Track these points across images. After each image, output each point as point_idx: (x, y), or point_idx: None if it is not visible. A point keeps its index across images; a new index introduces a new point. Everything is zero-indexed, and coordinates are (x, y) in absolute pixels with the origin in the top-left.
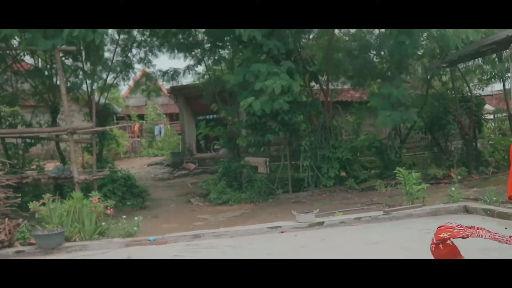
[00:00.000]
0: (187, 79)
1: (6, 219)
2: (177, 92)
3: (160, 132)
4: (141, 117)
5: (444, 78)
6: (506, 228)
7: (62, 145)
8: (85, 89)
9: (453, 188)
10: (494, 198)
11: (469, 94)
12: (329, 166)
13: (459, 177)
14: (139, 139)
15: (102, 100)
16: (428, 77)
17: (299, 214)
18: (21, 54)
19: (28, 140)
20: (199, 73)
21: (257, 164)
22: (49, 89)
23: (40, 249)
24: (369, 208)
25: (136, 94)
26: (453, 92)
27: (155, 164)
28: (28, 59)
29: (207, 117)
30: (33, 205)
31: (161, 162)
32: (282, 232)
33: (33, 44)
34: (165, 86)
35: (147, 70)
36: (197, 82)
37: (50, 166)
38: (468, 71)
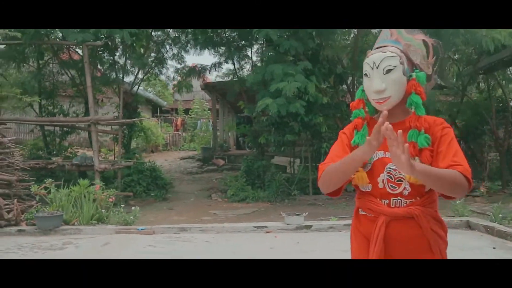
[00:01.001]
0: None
1: (15, 200)
2: (211, 89)
3: (201, 127)
4: (187, 111)
5: (481, 86)
6: (494, 248)
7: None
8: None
9: (457, 202)
10: (500, 215)
11: (507, 103)
12: None
13: (485, 190)
14: (179, 133)
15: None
16: (463, 83)
17: (287, 216)
18: (63, 47)
19: (65, 129)
20: (229, 70)
21: (286, 164)
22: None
23: (39, 230)
24: None
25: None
26: (489, 100)
27: (188, 158)
28: (67, 53)
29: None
30: (34, 188)
31: (193, 157)
32: (267, 232)
33: (65, 38)
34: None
35: (180, 65)
36: (228, 79)
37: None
38: (507, 79)
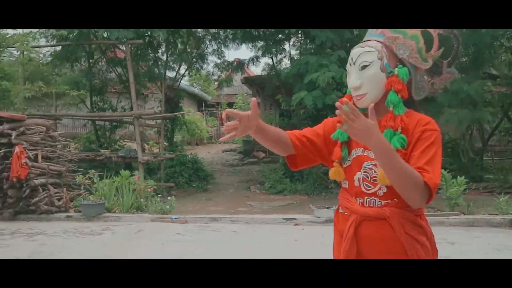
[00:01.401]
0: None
1: (64, 189)
2: (251, 83)
3: None
4: (231, 105)
5: None
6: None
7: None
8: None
9: (501, 199)
10: None
11: None
12: None
13: None
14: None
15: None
16: None
17: (317, 209)
18: (110, 46)
19: (113, 123)
20: (268, 64)
21: None
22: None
23: (84, 216)
24: None
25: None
26: None
27: (230, 150)
28: (113, 51)
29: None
30: (79, 178)
31: (235, 149)
32: (296, 224)
33: (110, 37)
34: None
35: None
36: (267, 73)
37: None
38: None
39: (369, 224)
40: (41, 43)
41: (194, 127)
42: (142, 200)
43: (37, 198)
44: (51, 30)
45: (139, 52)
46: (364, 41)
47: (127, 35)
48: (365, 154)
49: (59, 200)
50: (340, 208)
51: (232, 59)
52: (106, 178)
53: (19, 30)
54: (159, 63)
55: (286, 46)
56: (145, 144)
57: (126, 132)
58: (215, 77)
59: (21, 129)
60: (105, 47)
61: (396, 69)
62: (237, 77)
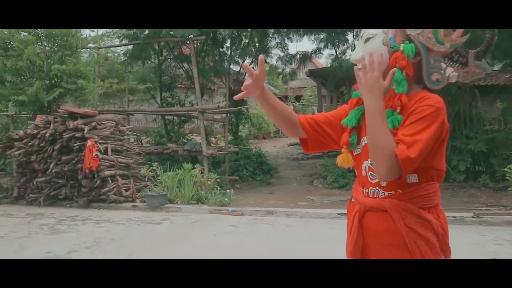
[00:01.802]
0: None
1: (132, 180)
2: (315, 75)
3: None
4: (299, 98)
5: None
6: None
7: (206, 123)
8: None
9: None
10: None
11: None
12: (460, 159)
13: None
14: None
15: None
16: None
17: None
18: (178, 43)
19: (182, 118)
20: (331, 55)
21: None
22: (199, 73)
23: (148, 206)
24: (480, 208)
25: (299, 76)
26: None
27: (295, 144)
28: (179, 48)
29: None
30: (144, 170)
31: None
32: None
33: (176, 34)
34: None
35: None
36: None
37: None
38: None
39: (372, 215)
40: (115, 43)
41: (260, 121)
42: (202, 192)
43: (106, 188)
44: (123, 30)
45: (205, 48)
46: None
47: (192, 32)
48: None
49: (126, 190)
50: (352, 197)
51: (295, 52)
52: (170, 170)
53: (96, 31)
54: (224, 58)
55: (349, 37)
56: (213, 138)
57: (194, 126)
58: (279, 70)
59: (93, 124)
60: (173, 45)
61: (402, 44)
62: (302, 70)
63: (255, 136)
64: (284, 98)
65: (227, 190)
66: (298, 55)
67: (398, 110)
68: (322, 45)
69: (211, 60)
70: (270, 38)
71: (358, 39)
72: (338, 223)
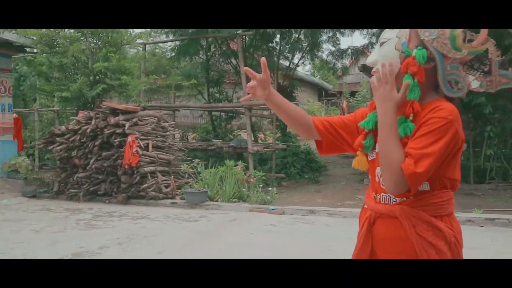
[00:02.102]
0: None
1: (172, 177)
2: (369, 70)
3: None
4: (353, 94)
5: None
6: None
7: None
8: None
9: None
10: None
11: None
12: None
13: None
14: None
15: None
16: None
17: None
18: (226, 39)
19: (229, 114)
20: None
21: None
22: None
23: (187, 203)
24: None
25: (354, 71)
26: None
27: None
28: (226, 44)
29: None
30: (184, 167)
31: None
32: None
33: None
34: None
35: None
36: None
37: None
38: None
39: (382, 222)
40: (162, 39)
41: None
42: (244, 190)
43: (145, 185)
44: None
45: (253, 43)
46: None
47: (239, 28)
48: None
49: (166, 187)
50: (365, 203)
51: (347, 47)
52: (213, 167)
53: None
54: (274, 53)
55: None
56: (262, 134)
57: (242, 123)
58: (330, 65)
59: (134, 120)
60: (221, 40)
61: (415, 50)
62: (357, 65)
63: None
64: (338, 94)
65: (270, 188)
66: (349, 50)
67: (411, 118)
68: (374, 39)
69: (260, 55)
70: (321, 33)
71: (378, 42)
72: None
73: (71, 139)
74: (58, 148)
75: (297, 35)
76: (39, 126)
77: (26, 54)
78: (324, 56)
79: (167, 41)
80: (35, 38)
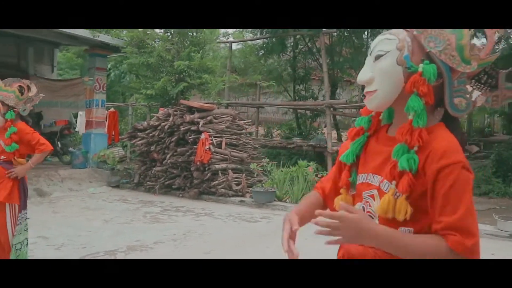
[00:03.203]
0: None
1: (243, 175)
2: None
3: None
4: None
5: None
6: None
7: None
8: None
9: None
10: None
11: None
12: None
13: None
14: None
15: None
16: None
17: (501, 220)
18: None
19: (314, 112)
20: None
21: None
22: (334, 66)
23: (255, 202)
24: None
25: None
26: None
27: None
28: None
29: None
30: (253, 166)
31: None
32: None
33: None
34: None
35: None
36: None
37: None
38: None
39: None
40: (247, 37)
41: None
42: None
43: (216, 182)
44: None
45: (342, 39)
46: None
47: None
48: (366, 181)
49: (237, 184)
50: None
51: None
52: (287, 166)
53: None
54: (362, 49)
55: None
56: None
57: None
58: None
59: (209, 118)
60: (308, 38)
61: (421, 65)
62: None
63: None
64: None
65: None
66: None
67: (415, 149)
68: None
69: (348, 51)
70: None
71: (369, 54)
72: None
73: (151, 134)
74: (139, 142)
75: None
76: (134, 119)
77: (120, 54)
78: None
79: (252, 40)
80: (126, 39)
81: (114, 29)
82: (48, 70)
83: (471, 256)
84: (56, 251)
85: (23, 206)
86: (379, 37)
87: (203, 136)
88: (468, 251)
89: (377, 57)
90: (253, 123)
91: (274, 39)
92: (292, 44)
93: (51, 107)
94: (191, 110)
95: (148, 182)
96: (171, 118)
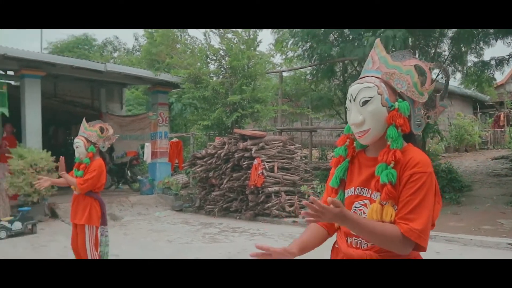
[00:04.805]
0: None
1: (296, 197)
2: None
3: None
4: None
5: None
6: None
7: None
8: None
9: None
10: None
11: None
12: None
13: None
14: (502, 129)
15: None
16: None
17: None
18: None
19: None
20: None
21: None
22: None
23: (306, 223)
24: None
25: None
26: None
27: (501, 158)
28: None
29: None
30: (303, 188)
31: (507, 156)
32: None
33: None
34: None
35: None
36: None
37: None
38: None
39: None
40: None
41: (462, 132)
42: None
43: (270, 204)
44: (306, 53)
45: None
46: (361, 77)
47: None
48: (355, 193)
49: (290, 206)
50: (335, 243)
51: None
52: None
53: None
54: None
55: None
56: None
57: None
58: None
59: (261, 144)
60: (357, 62)
61: (397, 103)
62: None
63: (456, 149)
64: (497, 105)
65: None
66: (493, 61)
67: (392, 165)
68: None
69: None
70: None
71: (350, 101)
72: (505, 255)
73: (208, 161)
74: (198, 169)
75: (434, 49)
76: (195, 148)
77: (179, 90)
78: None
79: (301, 68)
80: (184, 76)
81: (173, 68)
82: (118, 107)
83: (420, 241)
84: None
85: (102, 223)
86: (358, 86)
87: (255, 161)
88: (416, 236)
89: (364, 103)
90: (307, 147)
91: (322, 66)
92: (341, 69)
93: (121, 140)
94: (244, 138)
95: (208, 206)
96: (226, 146)
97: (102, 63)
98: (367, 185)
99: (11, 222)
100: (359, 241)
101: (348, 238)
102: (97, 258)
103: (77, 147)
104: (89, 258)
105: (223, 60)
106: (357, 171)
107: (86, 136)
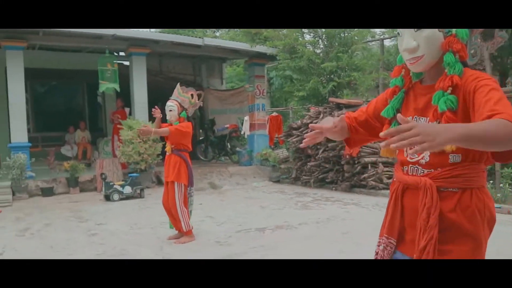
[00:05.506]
0: None
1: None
2: None
3: None
4: None
5: None
6: None
7: None
8: None
9: None
10: None
11: None
12: None
13: None
14: None
15: None
16: None
17: None
18: None
19: None
20: None
21: None
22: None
23: None
24: None
25: None
26: None
27: None
28: None
29: None
30: None
31: None
32: None
33: None
34: None
35: None
36: None
37: None
38: None
39: (410, 193)
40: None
41: None
42: None
43: (366, 174)
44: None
45: None
46: None
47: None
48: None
49: (389, 178)
50: (394, 177)
51: None
52: None
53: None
54: None
55: None
56: None
57: None
58: None
59: None
60: None
61: (454, 29)
62: None
63: None
64: None
65: (501, 185)
66: None
67: (449, 91)
68: None
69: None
70: None
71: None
72: None
73: (304, 132)
74: (294, 139)
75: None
76: (294, 121)
77: (274, 63)
78: None
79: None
80: (279, 48)
81: (269, 40)
82: (219, 82)
83: None
84: (218, 226)
85: (189, 184)
86: None
87: None
88: None
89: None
90: None
91: None
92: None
93: (222, 114)
94: (339, 106)
95: (304, 177)
96: (321, 116)
97: (200, 37)
98: (424, 114)
99: (122, 186)
100: (415, 168)
101: (404, 167)
102: (187, 214)
103: (170, 110)
104: (179, 213)
105: (319, 29)
106: (413, 101)
107: (180, 101)
